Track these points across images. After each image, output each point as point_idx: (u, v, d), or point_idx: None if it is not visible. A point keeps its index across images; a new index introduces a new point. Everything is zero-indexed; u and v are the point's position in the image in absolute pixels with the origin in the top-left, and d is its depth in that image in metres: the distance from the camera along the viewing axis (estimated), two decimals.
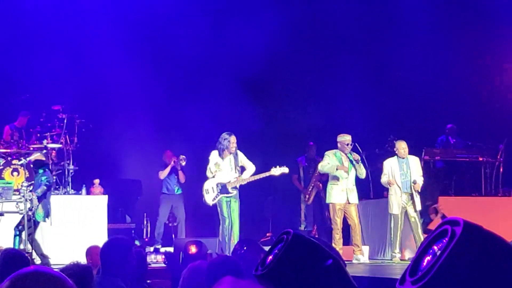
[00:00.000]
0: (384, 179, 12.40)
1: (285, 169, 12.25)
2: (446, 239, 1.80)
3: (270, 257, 2.41)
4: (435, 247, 1.86)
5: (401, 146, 12.33)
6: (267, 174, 12.22)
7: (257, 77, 15.89)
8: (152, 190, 15.00)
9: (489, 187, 14.51)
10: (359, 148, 12.88)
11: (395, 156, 12.40)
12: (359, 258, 12.19)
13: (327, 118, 15.65)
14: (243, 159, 12.29)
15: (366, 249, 12.88)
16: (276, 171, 12.19)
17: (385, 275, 9.31)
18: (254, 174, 12.27)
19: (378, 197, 13.90)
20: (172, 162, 14.13)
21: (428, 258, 1.83)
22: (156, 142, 15.07)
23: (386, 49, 15.89)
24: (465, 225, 1.80)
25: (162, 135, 15.39)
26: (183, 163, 13.99)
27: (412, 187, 12.17)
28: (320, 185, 14.64)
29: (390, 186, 12.25)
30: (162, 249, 13.08)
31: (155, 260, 12.07)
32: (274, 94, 16.78)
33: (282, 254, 2.35)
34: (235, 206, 12.10)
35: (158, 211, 14.39)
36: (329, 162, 12.36)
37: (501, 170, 14.45)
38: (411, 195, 12.20)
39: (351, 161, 12.30)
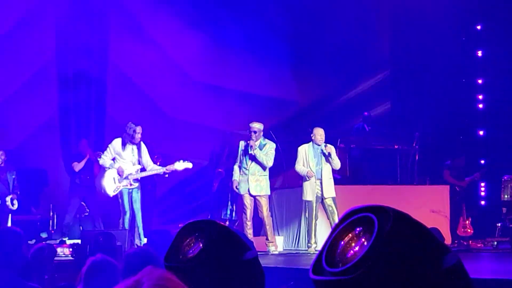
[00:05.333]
0: (300, 168, 12.09)
1: (188, 164, 12.12)
2: (373, 228, 1.65)
3: (192, 250, 2.26)
4: (358, 234, 1.71)
5: (319, 133, 12.16)
6: (171, 167, 12.01)
7: None
8: (58, 181, 14.51)
9: (404, 175, 14.48)
10: (273, 136, 12.67)
11: (310, 143, 12.18)
12: (270, 249, 11.94)
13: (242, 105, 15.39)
14: (145, 152, 12.05)
15: (280, 239, 12.71)
16: (179, 165, 12.02)
17: (300, 266, 9.23)
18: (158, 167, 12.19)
19: (293, 186, 13.65)
20: (88, 155, 13.67)
21: (354, 249, 1.69)
22: (59, 130, 14.59)
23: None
24: (395, 214, 1.66)
25: (65, 121, 14.88)
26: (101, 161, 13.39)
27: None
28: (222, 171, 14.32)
29: (308, 178, 11.98)
30: (69, 241, 12.69)
31: (62, 253, 11.71)
32: None
33: (205, 246, 2.21)
34: (137, 197, 12.12)
35: (69, 202, 13.87)
36: None
37: (417, 158, 14.45)
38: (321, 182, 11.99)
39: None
